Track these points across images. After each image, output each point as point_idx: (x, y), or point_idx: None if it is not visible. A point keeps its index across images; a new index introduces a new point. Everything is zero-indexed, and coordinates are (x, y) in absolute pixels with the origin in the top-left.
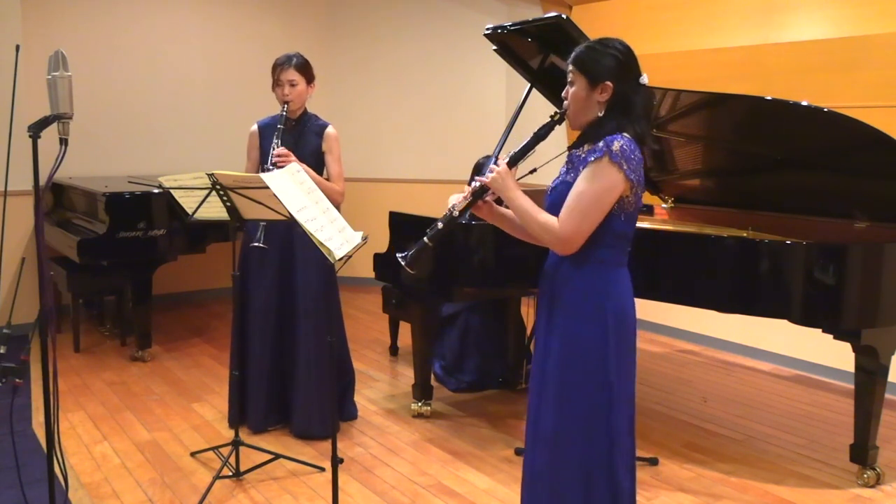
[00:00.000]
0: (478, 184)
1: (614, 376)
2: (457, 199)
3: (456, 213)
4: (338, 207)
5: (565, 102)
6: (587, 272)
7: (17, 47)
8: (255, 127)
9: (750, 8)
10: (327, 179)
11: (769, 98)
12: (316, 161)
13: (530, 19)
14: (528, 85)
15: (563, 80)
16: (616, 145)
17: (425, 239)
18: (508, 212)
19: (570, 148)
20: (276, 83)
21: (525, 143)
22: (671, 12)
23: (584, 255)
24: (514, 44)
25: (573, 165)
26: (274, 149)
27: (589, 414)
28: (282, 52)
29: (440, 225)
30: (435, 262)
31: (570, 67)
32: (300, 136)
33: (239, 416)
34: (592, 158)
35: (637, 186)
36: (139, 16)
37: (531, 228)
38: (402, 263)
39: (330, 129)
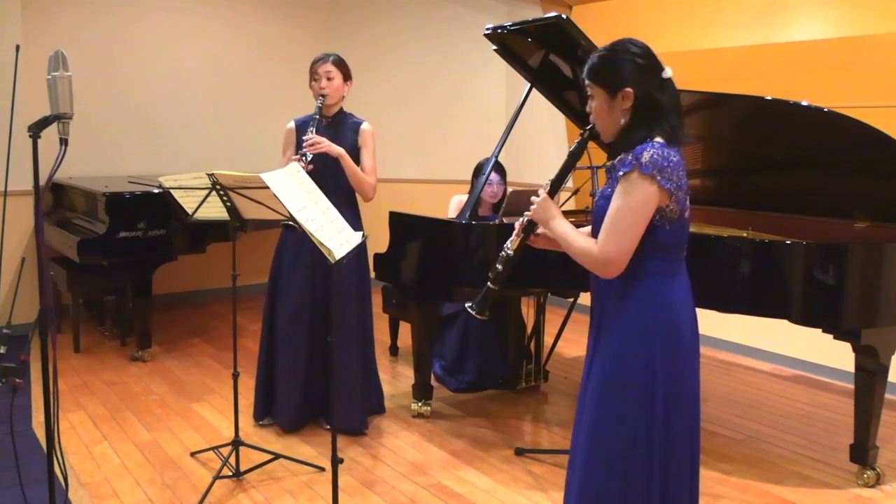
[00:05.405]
0: (525, 219)
1: (661, 406)
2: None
3: (511, 253)
4: (351, 204)
5: (591, 117)
6: (636, 285)
7: (17, 47)
8: (291, 124)
9: (750, 8)
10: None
11: (769, 98)
12: (352, 157)
13: (530, 19)
14: (528, 85)
15: (563, 79)
16: (646, 156)
17: (489, 284)
18: None
19: (609, 159)
20: (314, 77)
21: (561, 167)
22: (671, 12)
23: (633, 269)
24: (514, 44)
25: (611, 178)
26: (309, 136)
27: (626, 455)
28: (282, 52)
29: (500, 267)
30: (436, 262)
31: (587, 81)
32: (336, 132)
33: (267, 412)
34: (622, 173)
35: (676, 193)
36: (139, 16)
37: (572, 255)
38: (473, 313)
39: (366, 125)
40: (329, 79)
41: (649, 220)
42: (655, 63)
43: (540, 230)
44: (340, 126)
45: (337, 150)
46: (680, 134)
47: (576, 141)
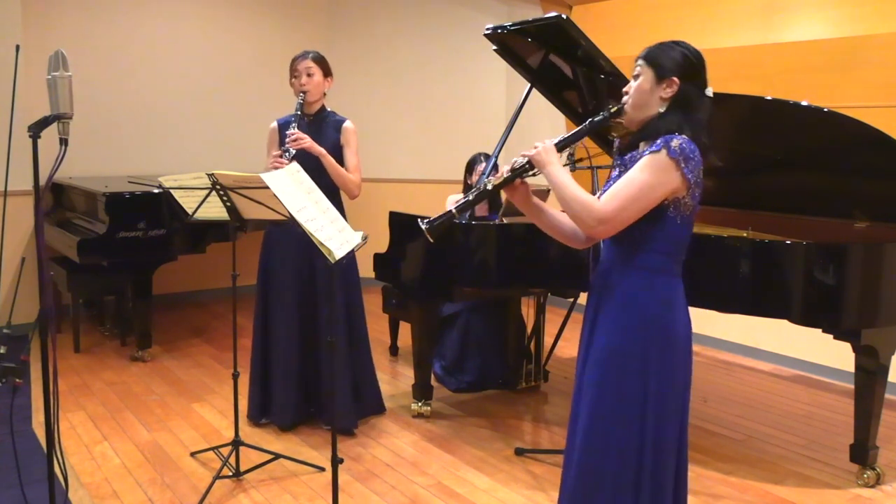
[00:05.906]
0: (519, 159)
1: (653, 403)
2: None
3: (490, 187)
4: (335, 202)
5: (625, 97)
6: (635, 280)
7: (17, 47)
8: (274, 124)
9: (750, 8)
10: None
11: (769, 98)
12: (335, 156)
13: (530, 19)
14: (528, 85)
15: (563, 79)
16: (675, 142)
17: (452, 209)
18: (543, 204)
19: (621, 150)
20: (293, 74)
21: (577, 129)
22: (671, 12)
23: (635, 262)
24: (514, 44)
25: (626, 168)
26: (292, 131)
27: (620, 449)
28: (281, 53)
29: (470, 197)
30: (436, 262)
31: (640, 62)
32: (318, 131)
33: (264, 412)
34: (649, 152)
35: (694, 188)
36: (139, 16)
37: (569, 204)
38: (424, 229)
39: (348, 124)
40: (309, 75)
41: (657, 202)
42: (705, 73)
43: (527, 177)
44: (322, 124)
45: (318, 149)
46: (703, 147)
47: (602, 112)
